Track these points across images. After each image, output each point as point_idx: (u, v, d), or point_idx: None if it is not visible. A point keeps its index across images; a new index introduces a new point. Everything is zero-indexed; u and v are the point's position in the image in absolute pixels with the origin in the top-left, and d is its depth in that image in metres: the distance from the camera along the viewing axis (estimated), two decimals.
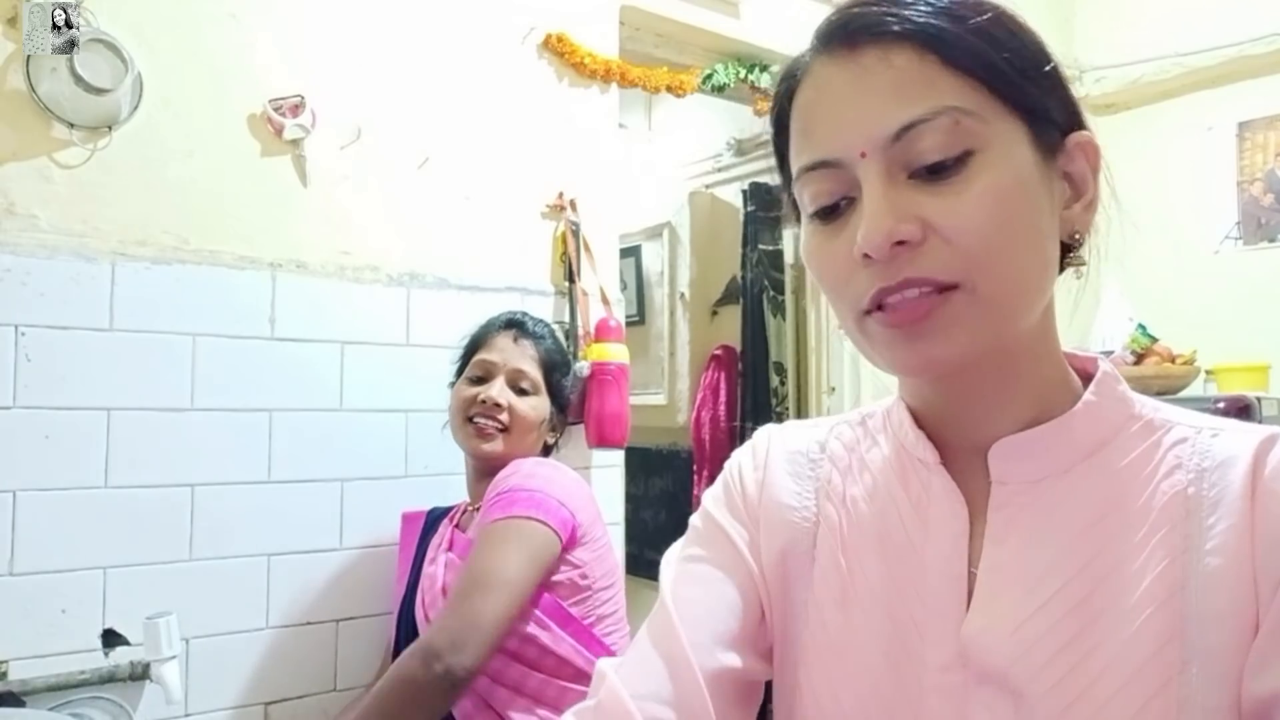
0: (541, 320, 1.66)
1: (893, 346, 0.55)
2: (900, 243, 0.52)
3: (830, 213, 0.56)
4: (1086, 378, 0.60)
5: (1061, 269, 0.60)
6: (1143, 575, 0.53)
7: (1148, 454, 0.56)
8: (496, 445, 1.49)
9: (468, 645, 1.20)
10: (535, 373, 1.54)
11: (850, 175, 0.54)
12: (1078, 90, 0.59)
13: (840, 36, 0.55)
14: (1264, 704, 0.49)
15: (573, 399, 1.67)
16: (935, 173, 0.52)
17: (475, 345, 1.60)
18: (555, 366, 1.58)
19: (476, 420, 1.49)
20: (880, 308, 0.54)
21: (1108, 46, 3.04)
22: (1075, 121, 0.58)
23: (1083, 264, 0.61)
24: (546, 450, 1.64)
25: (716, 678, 0.60)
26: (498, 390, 1.50)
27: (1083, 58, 3.06)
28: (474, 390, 1.51)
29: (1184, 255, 2.88)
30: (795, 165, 0.58)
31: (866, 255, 0.53)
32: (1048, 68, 0.56)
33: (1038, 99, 0.55)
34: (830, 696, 0.60)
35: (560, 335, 1.71)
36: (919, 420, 0.63)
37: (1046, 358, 0.59)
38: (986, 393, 0.58)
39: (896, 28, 0.53)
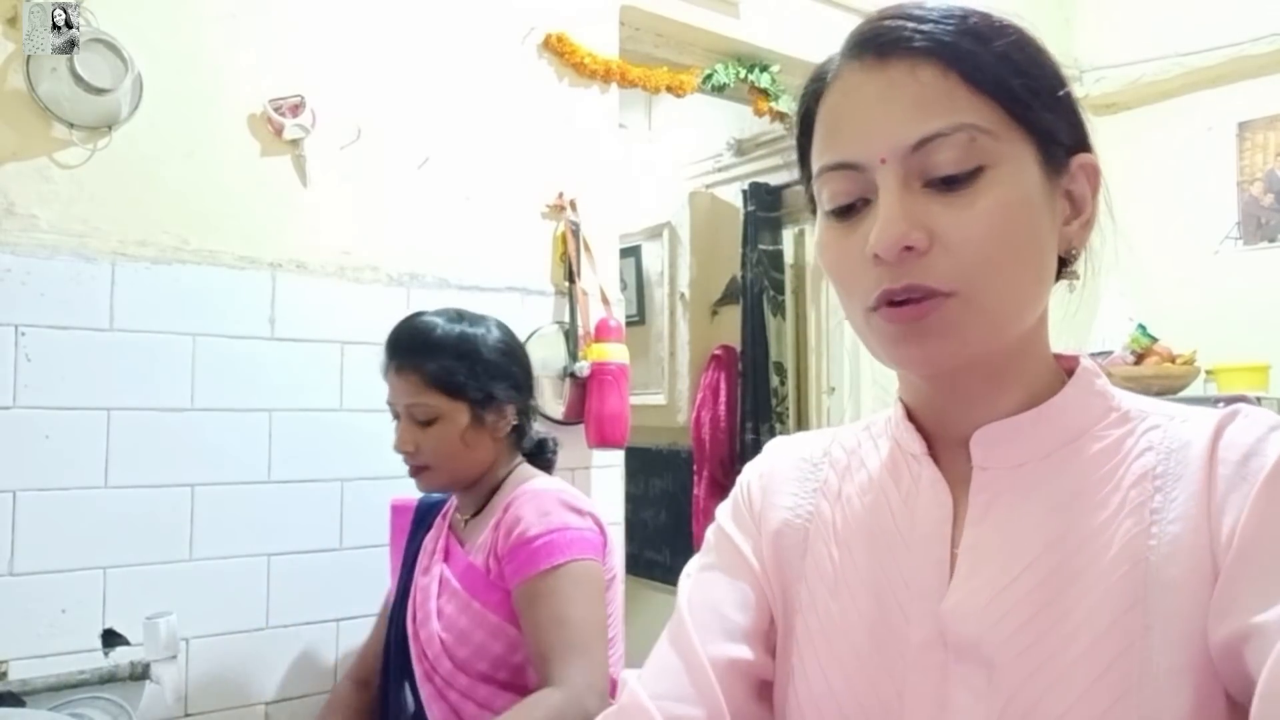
0: (427, 322, 1.44)
1: (895, 343, 0.58)
2: (909, 248, 0.55)
3: (846, 211, 0.60)
4: (1072, 375, 0.64)
5: (1057, 279, 0.64)
6: (1109, 546, 0.56)
7: (1121, 440, 0.60)
8: (430, 483, 1.46)
9: (605, 693, 1.28)
10: (427, 398, 1.40)
11: (869, 178, 0.58)
12: (1078, 90, 0.61)
13: (871, 47, 0.59)
14: (1230, 644, 0.50)
15: (509, 371, 1.47)
16: (948, 184, 0.56)
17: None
18: (451, 371, 1.40)
19: (405, 462, 1.46)
20: (885, 305, 0.57)
21: (1108, 46, 3.04)
22: (1081, 143, 0.61)
23: (1076, 277, 0.65)
24: (517, 439, 1.51)
25: (727, 668, 0.65)
26: (401, 436, 1.43)
27: (1083, 58, 3.06)
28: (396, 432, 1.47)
29: (1184, 255, 2.88)
30: (817, 164, 0.62)
31: (877, 256, 0.56)
32: (1061, 93, 0.60)
33: (1049, 122, 0.58)
34: (820, 677, 0.64)
35: (461, 313, 1.47)
36: (912, 415, 0.67)
37: (1035, 357, 0.63)
38: (977, 389, 0.61)
39: (924, 44, 0.57)
